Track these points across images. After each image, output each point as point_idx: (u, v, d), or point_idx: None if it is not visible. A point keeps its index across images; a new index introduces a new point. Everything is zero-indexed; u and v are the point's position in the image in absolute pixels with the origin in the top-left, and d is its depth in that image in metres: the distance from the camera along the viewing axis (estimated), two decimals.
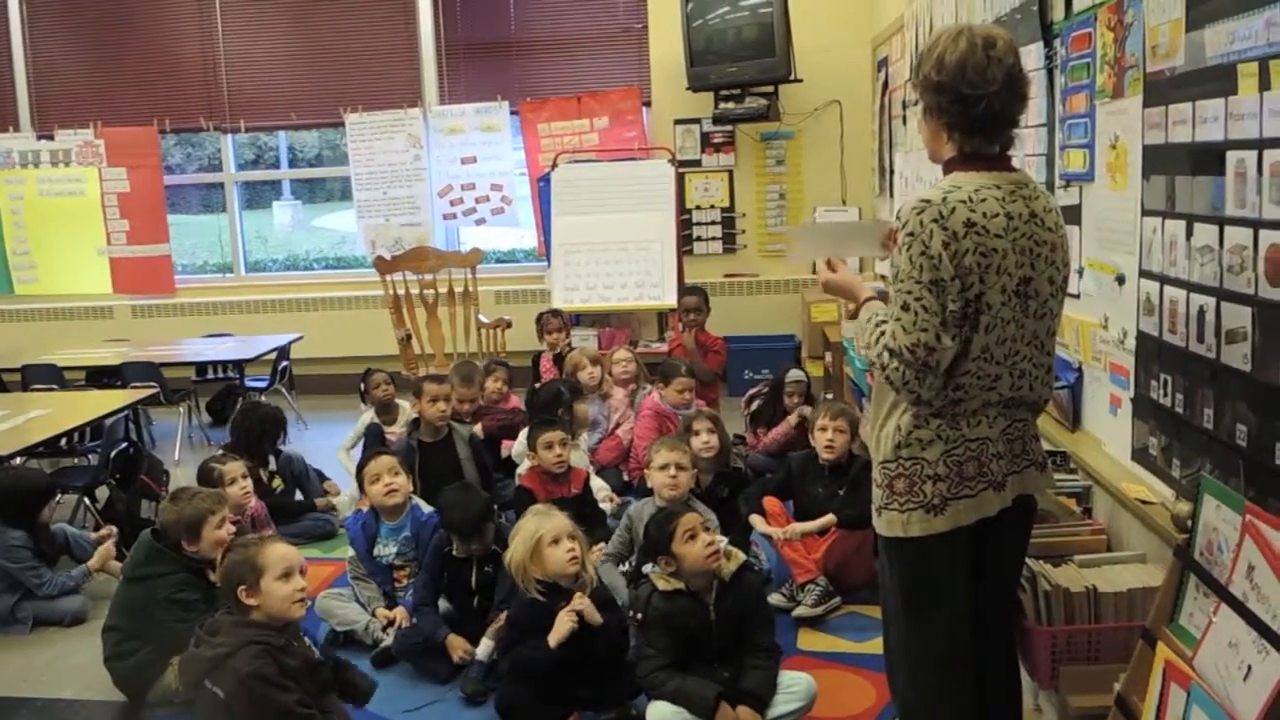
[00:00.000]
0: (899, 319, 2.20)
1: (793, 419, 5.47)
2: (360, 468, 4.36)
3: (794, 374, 5.67)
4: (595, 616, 3.27)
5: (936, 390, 2.23)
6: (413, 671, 3.72)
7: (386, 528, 4.17)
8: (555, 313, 6.82)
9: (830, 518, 4.17)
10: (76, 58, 8.74)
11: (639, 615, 3.35)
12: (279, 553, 2.92)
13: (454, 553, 3.86)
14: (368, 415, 5.96)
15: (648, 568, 3.48)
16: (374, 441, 5.50)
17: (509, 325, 7.37)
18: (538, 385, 6.00)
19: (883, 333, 2.25)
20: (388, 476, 4.18)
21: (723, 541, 3.47)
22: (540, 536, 3.35)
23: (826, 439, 4.29)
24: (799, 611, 3.98)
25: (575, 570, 3.35)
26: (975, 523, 2.32)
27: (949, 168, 2.29)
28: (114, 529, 4.55)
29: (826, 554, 4.07)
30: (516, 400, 6.12)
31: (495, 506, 4.14)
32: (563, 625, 3.24)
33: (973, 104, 2.22)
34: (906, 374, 2.19)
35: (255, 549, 2.92)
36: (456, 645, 3.67)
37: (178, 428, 7.05)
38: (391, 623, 3.88)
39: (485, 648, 3.63)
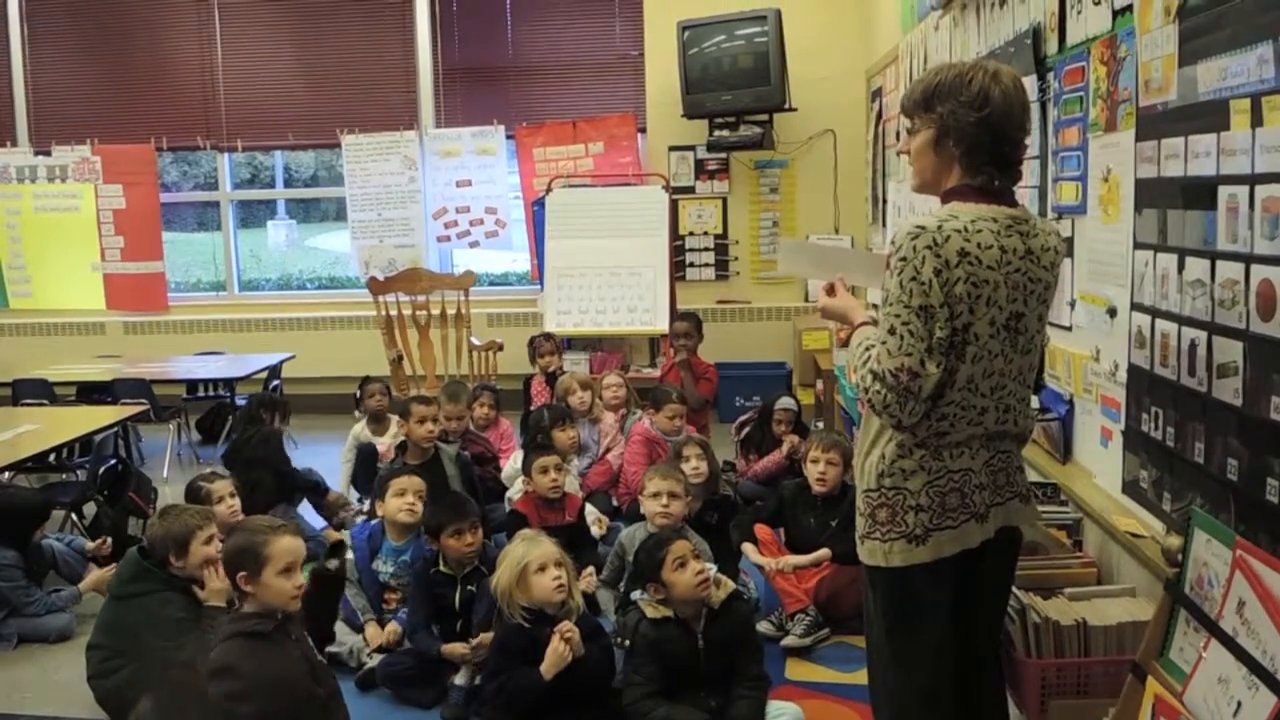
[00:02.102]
0: (885, 342, 2.20)
1: (784, 449, 5.47)
2: (387, 478, 4.32)
3: (784, 402, 5.67)
4: (577, 647, 3.25)
5: (919, 416, 2.22)
6: (394, 696, 3.69)
7: (389, 546, 4.16)
8: (548, 336, 6.82)
9: (825, 552, 4.16)
10: (75, 74, 8.75)
11: (627, 642, 3.34)
12: (285, 546, 2.88)
13: (440, 569, 3.85)
14: (359, 425, 5.95)
15: (636, 594, 3.47)
16: (366, 462, 5.48)
17: (500, 348, 7.36)
18: (531, 409, 6.00)
19: (870, 356, 2.25)
20: (411, 497, 4.17)
21: (712, 569, 3.46)
22: (527, 563, 3.33)
23: (819, 471, 4.28)
24: (787, 641, 3.96)
25: (561, 599, 3.33)
26: (959, 554, 2.32)
27: (949, 197, 2.30)
28: (108, 540, 4.53)
29: (819, 585, 4.06)
30: (506, 423, 6.12)
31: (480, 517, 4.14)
32: (556, 655, 3.21)
33: (1011, 147, 2.27)
34: (888, 398, 2.20)
35: (263, 539, 2.88)
36: (455, 650, 3.64)
37: (167, 445, 7.02)
38: (379, 648, 3.86)
39: (465, 673, 3.61)
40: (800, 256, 3.03)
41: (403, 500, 4.16)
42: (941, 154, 2.32)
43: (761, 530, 4.32)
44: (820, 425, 6.64)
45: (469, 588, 3.82)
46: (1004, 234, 2.22)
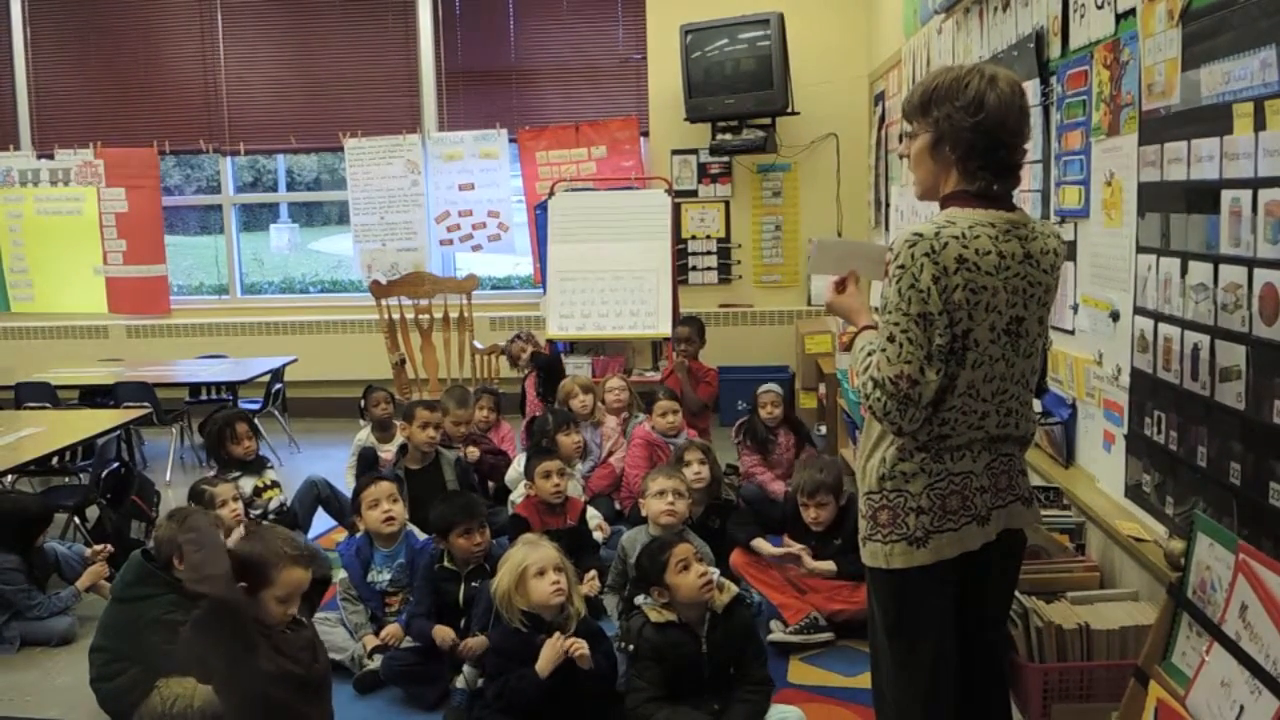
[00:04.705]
0: (884, 350, 2.21)
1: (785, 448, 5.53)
2: (357, 491, 4.33)
3: (766, 386, 5.73)
4: (587, 662, 3.24)
5: (919, 423, 2.23)
6: (396, 699, 3.69)
7: (381, 554, 4.15)
8: (516, 336, 6.84)
9: (830, 566, 4.08)
10: (78, 78, 8.77)
11: (630, 647, 3.34)
12: (291, 578, 2.84)
13: (445, 565, 3.87)
14: (364, 433, 5.95)
15: (640, 599, 3.47)
16: (368, 465, 5.48)
17: (503, 352, 7.37)
18: (536, 415, 6.02)
19: (871, 362, 2.26)
20: (386, 503, 4.16)
21: (715, 573, 3.46)
22: (526, 566, 3.32)
23: (810, 516, 4.20)
24: (774, 636, 3.93)
25: (559, 603, 3.31)
26: (960, 556, 2.32)
27: (947, 203, 2.30)
28: (109, 547, 4.54)
29: (837, 611, 4.01)
30: (507, 426, 6.13)
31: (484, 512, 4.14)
32: (551, 652, 3.20)
33: (1007, 151, 2.26)
34: (888, 405, 2.20)
35: (275, 564, 2.84)
36: (443, 634, 3.65)
37: (170, 448, 7.03)
38: (379, 648, 3.86)
39: (468, 675, 3.60)
40: (832, 255, 2.90)
41: (378, 511, 4.15)
42: (938, 159, 2.31)
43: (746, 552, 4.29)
44: (822, 430, 6.66)
45: (473, 585, 3.83)
46: (1002, 239, 2.22)
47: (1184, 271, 2.66)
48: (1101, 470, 3.29)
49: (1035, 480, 3.39)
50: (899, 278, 2.18)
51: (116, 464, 5.47)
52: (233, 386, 7.30)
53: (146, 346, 8.68)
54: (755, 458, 5.66)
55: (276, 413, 7.63)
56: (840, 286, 2.56)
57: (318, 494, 5.36)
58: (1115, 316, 3.13)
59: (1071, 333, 3.51)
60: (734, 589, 3.47)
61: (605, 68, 8.37)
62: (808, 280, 8.08)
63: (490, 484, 5.56)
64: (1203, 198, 2.54)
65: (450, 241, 8.51)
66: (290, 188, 9.50)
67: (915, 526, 2.29)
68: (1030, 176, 3.83)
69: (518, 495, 5.01)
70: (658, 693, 3.22)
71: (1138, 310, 2.95)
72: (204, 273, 9.56)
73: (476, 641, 3.57)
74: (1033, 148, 3.77)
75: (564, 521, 4.53)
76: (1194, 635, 2.28)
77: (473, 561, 3.89)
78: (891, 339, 2.19)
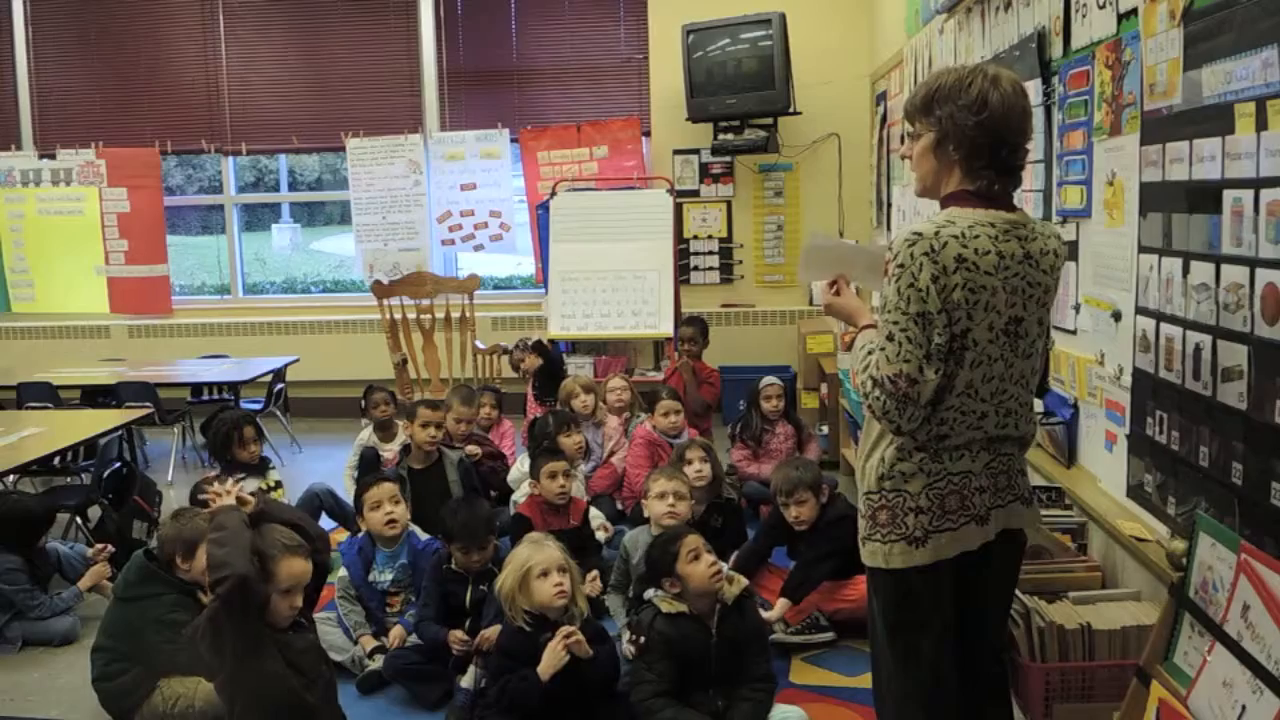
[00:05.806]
0: (884, 349, 2.21)
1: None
2: (360, 492, 4.32)
3: (767, 379, 5.74)
4: (584, 650, 3.25)
5: (918, 422, 2.23)
6: (399, 698, 3.69)
7: (383, 555, 4.15)
8: (519, 344, 6.84)
9: (783, 604, 3.98)
10: (80, 78, 8.78)
11: (641, 639, 3.34)
12: (292, 570, 2.85)
13: (452, 566, 3.87)
14: (365, 433, 5.95)
15: (649, 593, 3.47)
16: (370, 466, 5.48)
17: (505, 352, 7.37)
18: (536, 418, 6.02)
19: (870, 361, 2.26)
20: (388, 505, 4.15)
21: (723, 567, 3.47)
22: (530, 567, 3.32)
23: (793, 515, 4.17)
24: (776, 637, 3.92)
25: (562, 604, 3.32)
26: (959, 556, 2.32)
27: (947, 202, 2.30)
28: (109, 547, 4.54)
29: (837, 611, 4.01)
30: (508, 424, 6.13)
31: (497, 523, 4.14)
32: (553, 656, 3.21)
33: (1011, 151, 2.26)
34: (887, 404, 2.20)
35: (276, 557, 2.83)
36: (457, 638, 3.67)
37: (171, 448, 7.04)
38: (380, 648, 3.86)
39: (471, 675, 3.61)
40: (823, 257, 2.88)
41: (380, 513, 4.14)
42: (941, 158, 2.32)
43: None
44: (824, 429, 6.65)
45: (480, 587, 3.83)
46: (1002, 239, 2.22)
47: (1186, 271, 2.65)
48: (1103, 470, 3.29)
49: (1037, 480, 3.40)
50: (898, 276, 2.19)
51: (118, 464, 5.47)
52: (234, 386, 7.31)
53: (148, 346, 8.68)
54: (745, 452, 5.67)
55: (278, 413, 7.63)
56: (835, 288, 2.56)
57: (320, 504, 5.34)
58: (1117, 316, 3.13)
59: (1073, 332, 3.50)
60: (743, 581, 3.48)
61: (607, 67, 8.37)
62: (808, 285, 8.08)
63: (491, 491, 5.55)
64: (1204, 198, 2.54)
65: (452, 241, 8.51)
66: (292, 188, 9.51)
67: (914, 526, 2.29)
68: (1032, 176, 3.83)
69: (521, 495, 5.00)
70: (664, 686, 3.23)
71: (1139, 310, 2.95)
72: (206, 273, 9.57)
73: (494, 631, 3.57)
74: (1034, 147, 3.76)
75: (567, 522, 4.53)
76: (1196, 635, 2.28)
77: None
78: (890, 338, 2.19)
